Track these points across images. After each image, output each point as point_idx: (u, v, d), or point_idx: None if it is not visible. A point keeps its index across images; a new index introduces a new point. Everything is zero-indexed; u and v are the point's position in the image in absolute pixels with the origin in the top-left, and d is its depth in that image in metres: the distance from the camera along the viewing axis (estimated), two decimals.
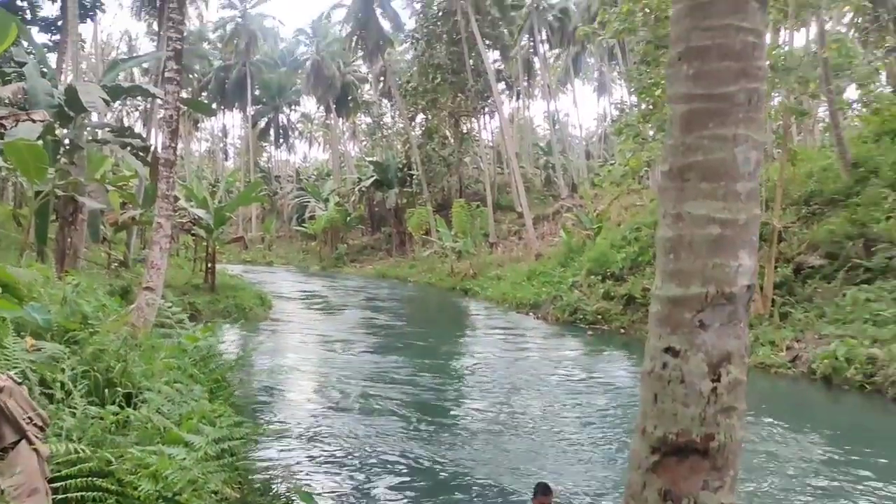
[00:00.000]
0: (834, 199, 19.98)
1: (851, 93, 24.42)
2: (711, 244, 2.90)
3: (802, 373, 15.42)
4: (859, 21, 31.14)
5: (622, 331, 22.25)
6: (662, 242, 3.09)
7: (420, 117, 56.23)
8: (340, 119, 75.93)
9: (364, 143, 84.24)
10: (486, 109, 55.31)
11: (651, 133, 22.23)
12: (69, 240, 17.88)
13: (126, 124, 62.15)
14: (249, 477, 6.98)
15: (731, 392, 2.88)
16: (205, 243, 28.05)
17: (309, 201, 63.07)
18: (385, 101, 66.55)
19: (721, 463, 2.87)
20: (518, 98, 73.88)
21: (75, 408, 5.62)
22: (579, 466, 9.68)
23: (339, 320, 26.12)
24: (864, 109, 22.92)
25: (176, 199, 20.33)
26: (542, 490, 6.75)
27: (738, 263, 2.89)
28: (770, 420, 12.12)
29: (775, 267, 18.38)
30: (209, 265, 27.00)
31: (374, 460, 9.63)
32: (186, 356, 8.39)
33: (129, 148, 18.83)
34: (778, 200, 18.89)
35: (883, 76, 26.69)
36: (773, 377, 15.65)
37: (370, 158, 65.88)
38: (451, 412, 12.60)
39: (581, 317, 24.30)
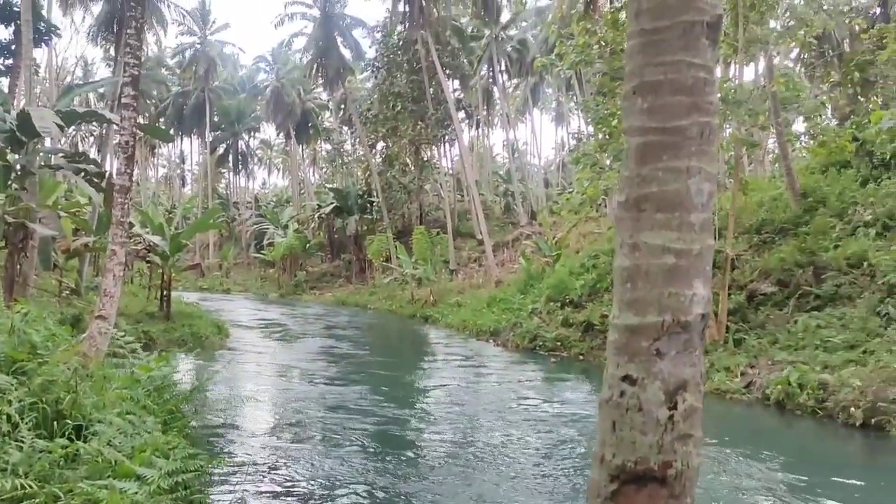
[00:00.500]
0: (784, 227, 20.55)
1: (799, 125, 25.29)
2: (667, 273, 2.96)
3: (757, 398, 15.69)
4: (806, 57, 32.38)
5: (581, 357, 22.39)
6: (619, 272, 3.14)
7: (380, 145, 56.46)
8: (300, 146, 75.71)
9: (324, 169, 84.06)
10: (447, 137, 55.75)
11: (608, 162, 22.64)
12: (19, 267, 17.44)
13: (81, 150, 61.07)
14: None
15: (688, 419, 2.92)
16: (160, 270, 27.54)
17: (268, 228, 62.55)
18: (345, 128, 66.67)
19: (679, 490, 2.90)
20: (478, 127, 74.65)
21: (22, 441, 5.43)
22: (539, 497, 9.65)
23: (299, 349, 25.81)
24: (812, 141, 23.70)
25: (131, 225, 20.01)
26: None
27: (693, 292, 2.95)
28: (726, 446, 12.27)
29: (729, 294, 18.75)
30: (164, 293, 26.48)
31: (330, 492, 9.47)
32: (140, 386, 8.19)
33: (83, 174, 18.49)
34: (730, 229, 19.34)
35: (829, 109, 27.70)
36: (729, 403, 15.87)
37: (330, 185, 65.84)
38: (411, 443, 12.49)
39: (541, 343, 24.40)
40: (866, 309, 16.08)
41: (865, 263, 17.22)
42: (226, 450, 11.05)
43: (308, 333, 31.03)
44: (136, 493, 4.86)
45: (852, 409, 13.39)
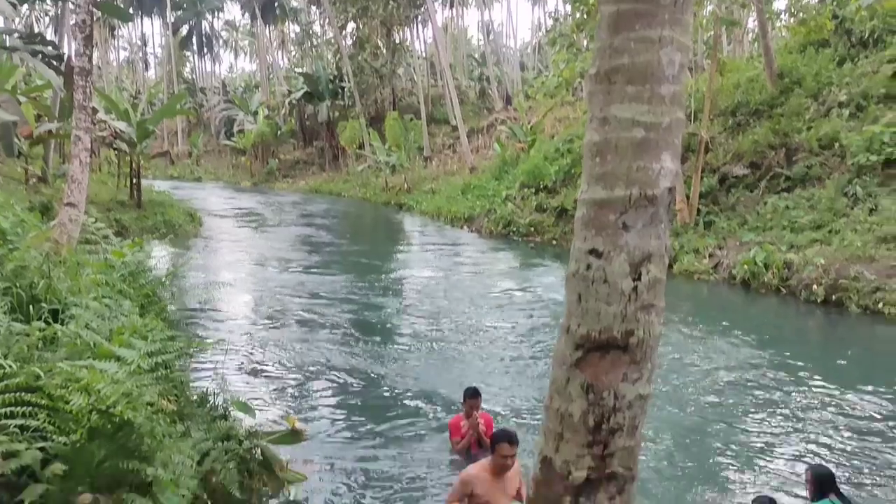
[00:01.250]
0: (759, 109, 20.50)
1: (780, 2, 24.71)
2: (636, 147, 2.95)
3: (723, 278, 16.17)
4: None
5: (554, 242, 22.72)
6: (589, 146, 3.14)
7: (351, 26, 54.29)
8: (267, 27, 72.77)
9: (293, 53, 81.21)
10: (419, 18, 53.84)
11: (585, 43, 22.13)
12: None
13: (36, 31, 58.19)
14: (185, 390, 6.97)
15: (651, 290, 2.99)
16: (128, 158, 27.01)
17: (237, 115, 61.01)
18: (314, 8, 63.90)
19: (640, 357, 3.01)
20: (451, 6, 72.04)
21: None
22: (510, 374, 10.01)
23: (274, 237, 25.84)
24: (792, 19, 23.25)
25: (94, 110, 19.41)
26: (471, 393, 7.02)
27: (661, 166, 2.95)
28: (692, 322, 12.74)
29: (701, 177, 18.90)
30: (134, 181, 26.09)
31: (310, 374, 9.75)
32: (114, 272, 8.18)
33: (40, 56, 17.71)
34: (706, 111, 19.25)
35: None
36: (696, 283, 16.36)
37: (300, 70, 63.80)
38: (388, 329, 12.77)
39: (514, 230, 24.69)
40: (834, 189, 16.36)
41: (837, 144, 17.36)
42: (204, 333, 11.24)
43: (283, 222, 30.99)
44: (117, 372, 4.94)
45: (814, 286, 13.88)
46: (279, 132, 58.59)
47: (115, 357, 5.31)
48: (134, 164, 26.08)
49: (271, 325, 12.61)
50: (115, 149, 28.27)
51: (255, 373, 9.73)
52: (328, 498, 6.20)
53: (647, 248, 2.98)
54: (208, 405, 6.75)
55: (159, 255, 11.31)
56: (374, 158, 42.43)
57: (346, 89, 52.79)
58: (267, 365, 10.11)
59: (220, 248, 22.63)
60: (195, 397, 6.95)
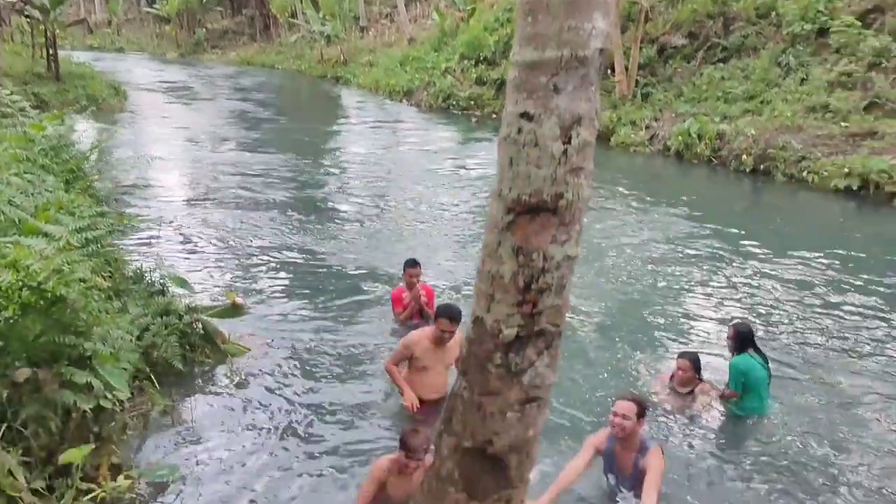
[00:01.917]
0: None
1: None
2: (568, 5, 2.88)
3: (658, 150, 16.46)
4: None
5: (494, 116, 22.54)
6: (521, 6, 3.04)
7: None
8: None
9: None
10: None
11: None
12: None
13: None
14: (121, 267, 6.88)
15: (580, 153, 3.01)
16: (42, 27, 25.17)
17: None
18: None
19: (568, 219, 3.07)
20: None
21: None
22: (452, 249, 10.14)
23: (207, 113, 24.90)
24: None
25: None
26: (410, 263, 7.14)
27: (592, 26, 2.90)
28: (626, 193, 13.04)
29: (640, 48, 18.77)
30: (50, 52, 24.48)
31: (248, 251, 9.66)
32: (35, 146, 7.81)
33: None
34: None
35: None
36: (632, 155, 16.62)
37: None
38: (329, 205, 12.65)
39: (454, 103, 24.36)
40: (768, 59, 16.50)
41: (773, 13, 17.34)
42: (136, 210, 10.98)
43: (216, 96, 29.82)
44: (45, 248, 4.82)
45: (744, 156, 14.29)
46: None
47: (43, 233, 5.18)
48: (49, 34, 24.38)
49: (207, 203, 12.36)
50: (26, 16, 26.25)
51: (192, 251, 9.62)
52: (273, 368, 6.34)
53: (578, 111, 2.97)
54: (145, 282, 6.70)
55: (82, 130, 10.82)
56: (308, 28, 40.64)
57: None
58: (204, 242, 9.99)
59: (148, 123, 21.75)
60: (131, 274, 6.88)
